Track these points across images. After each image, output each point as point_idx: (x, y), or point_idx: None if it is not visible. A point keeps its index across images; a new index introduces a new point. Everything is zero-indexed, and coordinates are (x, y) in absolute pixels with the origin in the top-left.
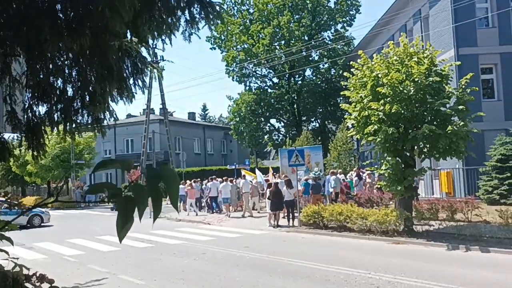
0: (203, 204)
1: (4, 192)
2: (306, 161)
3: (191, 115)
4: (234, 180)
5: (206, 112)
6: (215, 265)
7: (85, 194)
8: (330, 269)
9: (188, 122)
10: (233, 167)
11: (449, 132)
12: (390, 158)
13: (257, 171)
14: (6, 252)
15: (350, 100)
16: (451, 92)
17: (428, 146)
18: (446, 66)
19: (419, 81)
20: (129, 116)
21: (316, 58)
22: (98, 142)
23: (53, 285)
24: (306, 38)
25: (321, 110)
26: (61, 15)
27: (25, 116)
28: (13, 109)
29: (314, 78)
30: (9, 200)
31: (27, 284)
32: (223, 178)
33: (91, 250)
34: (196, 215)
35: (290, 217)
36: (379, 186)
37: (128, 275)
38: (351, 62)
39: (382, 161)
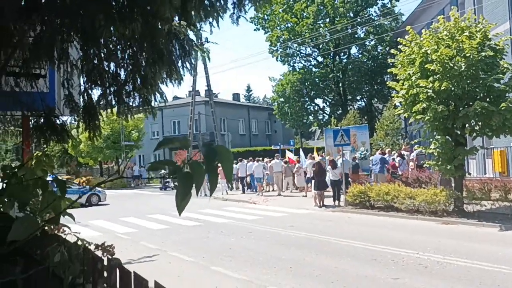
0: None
1: (74, 172)
2: (351, 141)
3: (236, 96)
4: (267, 160)
5: (251, 93)
6: (262, 244)
7: (147, 170)
8: (376, 248)
9: (233, 103)
10: (278, 147)
11: (503, 109)
12: (439, 137)
13: (301, 152)
14: (69, 228)
15: (397, 77)
16: (506, 67)
17: (480, 124)
18: (501, 40)
19: (471, 57)
20: (175, 98)
21: (362, 35)
22: (146, 123)
23: (113, 257)
24: (352, 15)
25: (367, 88)
26: (113, 2)
27: (82, 99)
28: (71, 93)
29: (359, 56)
30: (81, 180)
31: (95, 253)
32: (256, 159)
33: (142, 228)
34: (227, 193)
35: (336, 197)
36: (427, 165)
37: (177, 252)
38: (398, 39)
39: (431, 140)
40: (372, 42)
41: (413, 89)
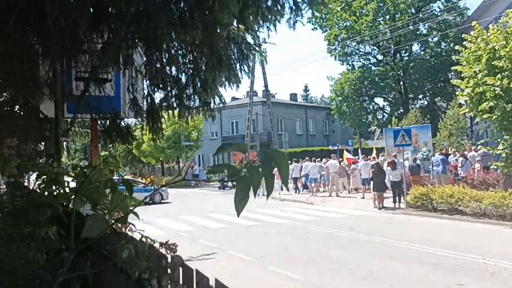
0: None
1: (139, 172)
2: (413, 141)
3: (293, 96)
4: (325, 161)
5: (308, 93)
6: (319, 245)
7: (207, 173)
8: (439, 253)
9: (290, 103)
10: (336, 147)
11: None
12: (508, 137)
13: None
14: (134, 226)
15: (462, 75)
16: None
17: None
18: None
19: None
20: (233, 99)
21: (425, 31)
22: (206, 124)
23: (175, 254)
24: (413, 10)
25: (429, 86)
26: (175, 10)
27: (145, 103)
28: (135, 97)
29: (422, 53)
30: (149, 179)
31: (160, 250)
32: (312, 159)
33: (201, 227)
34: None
35: (396, 198)
36: (494, 167)
37: (235, 251)
38: (463, 35)
39: (499, 140)
40: (435, 39)
41: (479, 87)
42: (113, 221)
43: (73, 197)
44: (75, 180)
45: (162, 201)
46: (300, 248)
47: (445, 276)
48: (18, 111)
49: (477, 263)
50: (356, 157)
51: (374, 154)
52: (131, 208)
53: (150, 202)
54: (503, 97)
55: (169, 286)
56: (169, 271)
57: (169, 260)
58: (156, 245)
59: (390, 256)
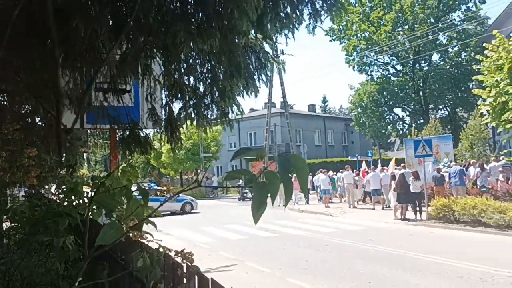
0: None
1: (155, 181)
2: (434, 152)
3: (311, 107)
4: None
5: (326, 104)
6: (339, 257)
7: (224, 180)
8: (462, 265)
9: (308, 114)
10: (355, 158)
11: None
12: None
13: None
14: (151, 235)
15: (483, 84)
16: None
17: None
18: None
19: None
20: (251, 110)
21: (444, 41)
22: (224, 136)
23: (192, 264)
24: (432, 20)
25: (450, 96)
26: (192, 19)
27: (163, 113)
28: (153, 107)
29: (441, 62)
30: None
31: (175, 260)
32: (322, 171)
33: (220, 238)
34: (294, 205)
35: (417, 210)
36: None
37: (254, 263)
38: (484, 44)
39: None
40: (455, 48)
41: (501, 96)
42: (128, 229)
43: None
44: (93, 190)
45: (191, 211)
46: (320, 260)
47: None
48: (38, 122)
49: (502, 276)
50: (365, 168)
51: (391, 165)
52: (147, 216)
53: (181, 211)
54: None
55: None
56: (184, 280)
57: (185, 269)
58: (172, 254)
59: (412, 270)
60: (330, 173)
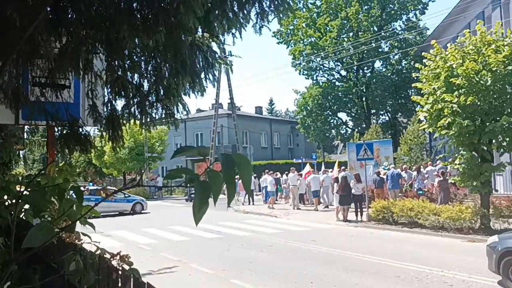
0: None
1: (91, 180)
2: (375, 155)
3: (258, 109)
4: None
5: (273, 106)
6: (282, 258)
7: (164, 179)
8: (400, 265)
9: (255, 116)
10: (300, 160)
11: None
12: (465, 152)
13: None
14: (89, 237)
15: (422, 92)
16: None
17: (507, 139)
18: None
19: (498, 71)
20: (198, 110)
21: (386, 49)
22: (170, 135)
23: (131, 267)
24: (376, 28)
25: (391, 103)
26: (137, 14)
27: (105, 110)
28: (94, 103)
29: (383, 70)
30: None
31: (111, 262)
32: (268, 172)
33: (163, 239)
34: (242, 204)
35: (359, 211)
36: (452, 181)
37: (198, 264)
38: (423, 53)
39: (456, 155)
40: (397, 56)
41: (438, 103)
42: (59, 230)
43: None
44: (23, 189)
45: (142, 211)
46: (263, 261)
47: None
48: None
49: (436, 275)
50: (308, 170)
51: (336, 167)
52: (79, 217)
53: (131, 211)
54: (460, 113)
55: None
56: (119, 284)
57: (120, 273)
58: (107, 256)
59: (352, 269)
60: (278, 174)
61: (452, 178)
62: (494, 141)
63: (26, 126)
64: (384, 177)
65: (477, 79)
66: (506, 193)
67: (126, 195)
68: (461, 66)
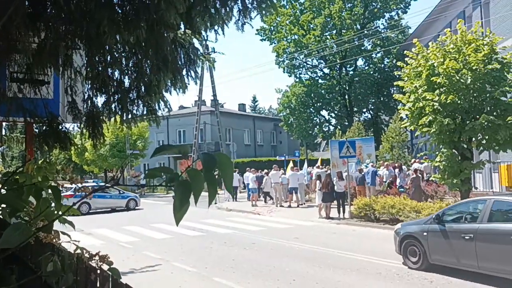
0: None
1: (69, 178)
2: (357, 153)
3: (241, 106)
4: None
5: (256, 104)
6: (265, 255)
7: (144, 178)
8: (381, 262)
9: (239, 114)
10: (283, 158)
11: (509, 122)
12: (445, 150)
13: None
14: (69, 236)
15: (404, 90)
16: None
17: (486, 137)
18: (509, 53)
19: (478, 70)
20: (181, 107)
21: (369, 47)
22: (152, 132)
23: (111, 266)
24: (359, 27)
25: (373, 100)
26: (118, 9)
27: (85, 107)
28: (74, 100)
29: (366, 68)
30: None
31: (89, 263)
32: (251, 170)
33: (145, 237)
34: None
35: (341, 209)
36: (433, 179)
37: (180, 262)
38: (405, 51)
39: (436, 153)
40: (379, 55)
41: (419, 101)
42: (36, 230)
43: None
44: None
45: (136, 207)
46: (246, 258)
47: (387, 285)
48: None
49: (416, 272)
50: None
51: (309, 166)
52: (56, 217)
53: (126, 208)
54: (441, 111)
55: None
56: (98, 285)
57: (99, 273)
58: (86, 256)
59: (334, 266)
60: (265, 171)
61: (432, 176)
62: (474, 139)
63: (4, 123)
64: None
65: (458, 77)
66: (485, 191)
67: (120, 192)
68: (442, 65)
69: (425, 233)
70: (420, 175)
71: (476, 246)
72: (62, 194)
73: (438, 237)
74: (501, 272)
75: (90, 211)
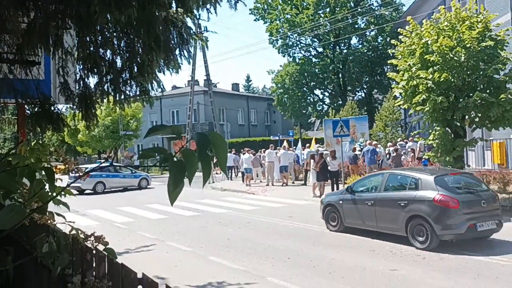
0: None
1: (62, 159)
2: (351, 132)
3: (235, 86)
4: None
5: (250, 83)
6: (260, 234)
7: (138, 159)
8: (375, 240)
9: (232, 93)
10: (277, 137)
11: (502, 100)
12: (438, 128)
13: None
14: (63, 217)
15: (397, 68)
16: (506, 58)
17: (479, 115)
18: (502, 30)
19: (471, 47)
20: (174, 87)
21: (363, 25)
22: (145, 113)
23: (107, 247)
24: (352, 4)
25: (367, 79)
26: None
27: (77, 87)
28: (66, 81)
29: (360, 46)
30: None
31: (85, 243)
32: (248, 151)
33: (140, 218)
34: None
35: (335, 187)
36: (426, 157)
37: (175, 242)
38: (399, 29)
39: (430, 131)
40: (373, 33)
41: (413, 80)
42: (30, 212)
43: None
44: None
45: (147, 186)
46: (241, 238)
47: (380, 263)
48: None
49: (410, 249)
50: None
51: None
52: (50, 198)
53: (139, 187)
54: (434, 90)
55: (94, 282)
56: (94, 265)
57: (94, 253)
58: (82, 237)
59: (328, 245)
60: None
61: (425, 154)
62: (467, 117)
63: None
64: (359, 153)
65: (451, 55)
66: (477, 168)
67: (132, 171)
68: (435, 43)
69: (340, 202)
70: (400, 154)
71: (375, 210)
72: (77, 174)
73: (350, 204)
74: (392, 230)
75: (106, 190)
